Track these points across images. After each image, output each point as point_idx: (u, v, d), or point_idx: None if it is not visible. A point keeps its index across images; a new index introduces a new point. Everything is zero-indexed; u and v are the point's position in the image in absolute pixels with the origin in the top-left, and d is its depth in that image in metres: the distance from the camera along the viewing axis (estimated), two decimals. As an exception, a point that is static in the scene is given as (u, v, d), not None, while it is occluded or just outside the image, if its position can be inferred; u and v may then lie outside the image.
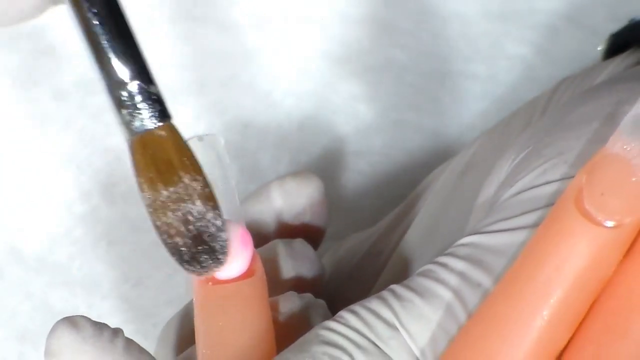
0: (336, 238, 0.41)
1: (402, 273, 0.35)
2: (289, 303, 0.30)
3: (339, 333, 0.26)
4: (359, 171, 0.45)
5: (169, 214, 0.27)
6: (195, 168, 0.27)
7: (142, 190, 0.27)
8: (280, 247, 0.33)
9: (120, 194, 0.44)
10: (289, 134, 0.44)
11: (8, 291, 0.44)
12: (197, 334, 0.29)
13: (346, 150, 0.44)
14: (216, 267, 0.27)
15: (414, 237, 0.35)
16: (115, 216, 0.44)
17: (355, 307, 0.27)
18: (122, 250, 0.44)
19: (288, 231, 0.35)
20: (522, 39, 0.44)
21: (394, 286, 0.27)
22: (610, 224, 0.24)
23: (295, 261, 0.32)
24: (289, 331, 0.30)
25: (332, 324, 0.27)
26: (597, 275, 0.25)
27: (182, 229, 0.27)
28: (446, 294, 0.26)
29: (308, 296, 0.31)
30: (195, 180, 0.27)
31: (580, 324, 0.25)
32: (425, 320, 0.26)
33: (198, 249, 0.27)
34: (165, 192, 0.27)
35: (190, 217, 0.27)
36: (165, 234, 0.27)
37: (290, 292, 0.31)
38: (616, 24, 0.38)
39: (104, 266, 0.44)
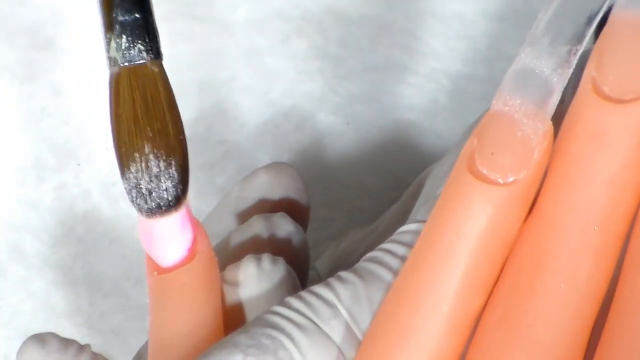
0: (336, 239, 0.41)
1: None
2: (248, 276, 0.30)
3: (281, 315, 0.27)
4: (359, 171, 0.45)
5: (142, 146, 0.27)
6: (175, 113, 0.28)
7: (118, 121, 0.28)
8: (258, 222, 0.33)
9: (121, 192, 0.44)
10: (288, 134, 0.44)
11: (10, 290, 0.44)
12: None
13: (346, 150, 0.44)
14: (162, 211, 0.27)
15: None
16: (117, 214, 0.44)
17: (301, 292, 0.27)
18: (123, 248, 0.44)
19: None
20: (522, 39, 0.44)
21: (340, 272, 0.28)
22: (504, 181, 0.24)
23: (273, 235, 0.33)
24: (247, 308, 0.30)
25: (277, 307, 0.27)
26: (499, 235, 0.24)
27: (144, 164, 0.27)
28: (388, 276, 0.27)
29: (271, 260, 0.31)
30: (173, 124, 0.27)
31: (494, 287, 0.25)
32: (365, 300, 0.27)
33: (148, 187, 0.27)
34: (147, 128, 0.27)
35: (153, 157, 0.27)
36: (131, 163, 0.27)
37: (249, 256, 0.31)
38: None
39: (106, 265, 0.44)
